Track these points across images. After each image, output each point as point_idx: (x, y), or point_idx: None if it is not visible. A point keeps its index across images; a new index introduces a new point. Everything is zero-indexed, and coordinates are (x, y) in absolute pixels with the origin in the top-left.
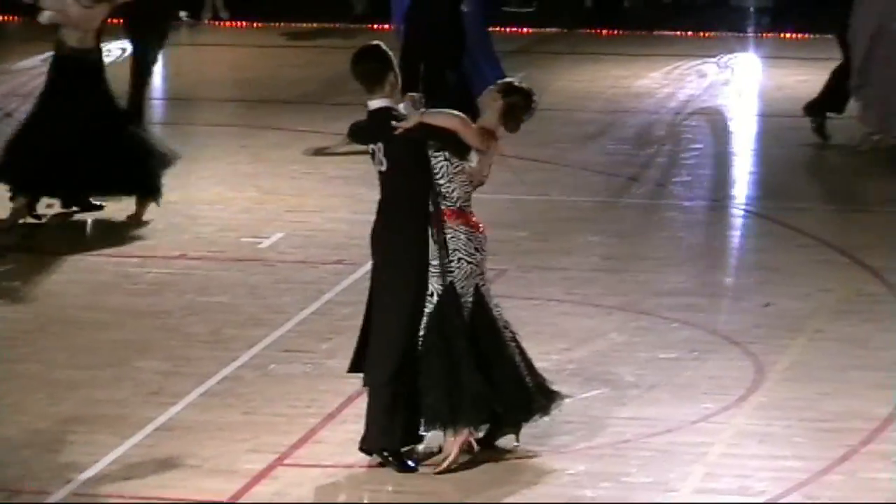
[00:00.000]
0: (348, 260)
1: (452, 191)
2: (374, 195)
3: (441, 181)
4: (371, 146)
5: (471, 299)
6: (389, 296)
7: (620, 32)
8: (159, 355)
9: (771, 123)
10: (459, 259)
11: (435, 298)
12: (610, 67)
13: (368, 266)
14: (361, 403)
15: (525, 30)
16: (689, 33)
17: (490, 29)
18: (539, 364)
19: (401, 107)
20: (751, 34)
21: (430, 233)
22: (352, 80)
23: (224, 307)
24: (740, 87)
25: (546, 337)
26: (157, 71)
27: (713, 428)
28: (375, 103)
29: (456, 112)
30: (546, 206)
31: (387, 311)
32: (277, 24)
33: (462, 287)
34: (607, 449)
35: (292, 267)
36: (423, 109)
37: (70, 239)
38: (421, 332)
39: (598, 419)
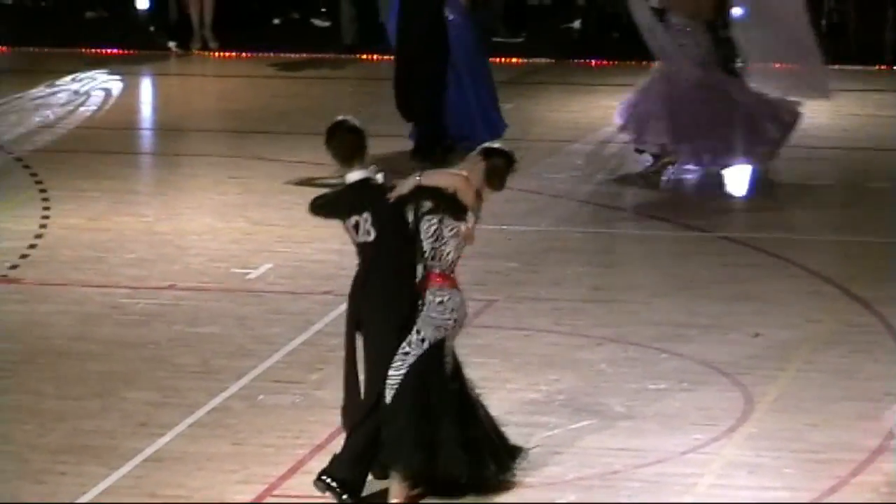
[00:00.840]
0: (337, 290)
1: (447, 253)
2: None
3: (436, 244)
4: (354, 218)
5: (449, 358)
6: (378, 355)
7: (611, 63)
8: (148, 386)
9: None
10: (455, 320)
11: (426, 345)
12: (601, 98)
13: None
14: None
15: (515, 60)
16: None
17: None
18: (528, 395)
19: (378, 176)
20: (739, 64)
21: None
22: (343, 111)
23: (213, 338)
24: None
25: (535, 367)
26: (147, 101)
27: (703, 459)
28: (354, 175)
29: (453, 171)
30: (535, 237)
31: (373, 366)
32: (266, 54)
33: (448, 345)
34: (596, 480)
35: (281, 297)
36: (418, 173)
37: (59, 269)
38: (400, 372)
39: (587, 450)
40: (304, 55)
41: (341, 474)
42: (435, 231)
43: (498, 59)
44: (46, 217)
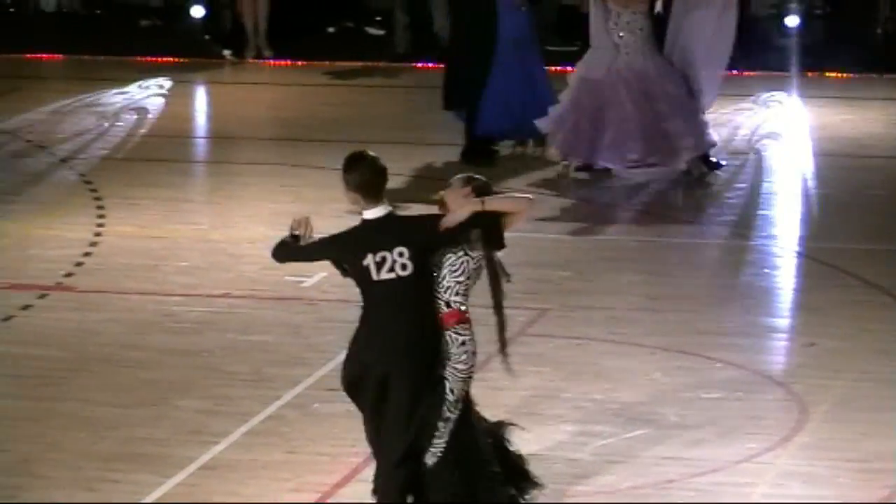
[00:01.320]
0: None
1: (467, 289)
2: None
3: (461, 278)
4: (381, 254)
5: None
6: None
7: None
8: (200, 395)
9: (813, 163)
10: (474, 364)
11: (460, 405)
12: None
13: None
14: None
15: (569, 68)
16: (732, 72)
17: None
18: (582, 404)
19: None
20: (794, 73)
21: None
22: (395, 119)
23: (266, 346)
24: (783, 127)
25: (589, 377)
26: (200, 109)
27: (757, 468)
28: (379, 211)
29: (518, 195)
30: (589, 246)
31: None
32: (320, 62)
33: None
34: (650, 489)
35: (335, 306)
36: (474, 198)
37: (112, 277)
38: (443, 440)
39: (641, 459)
40: (358, 63)
41: None
42: (462, 265)
43: (552, 68)
44: (100, 225)
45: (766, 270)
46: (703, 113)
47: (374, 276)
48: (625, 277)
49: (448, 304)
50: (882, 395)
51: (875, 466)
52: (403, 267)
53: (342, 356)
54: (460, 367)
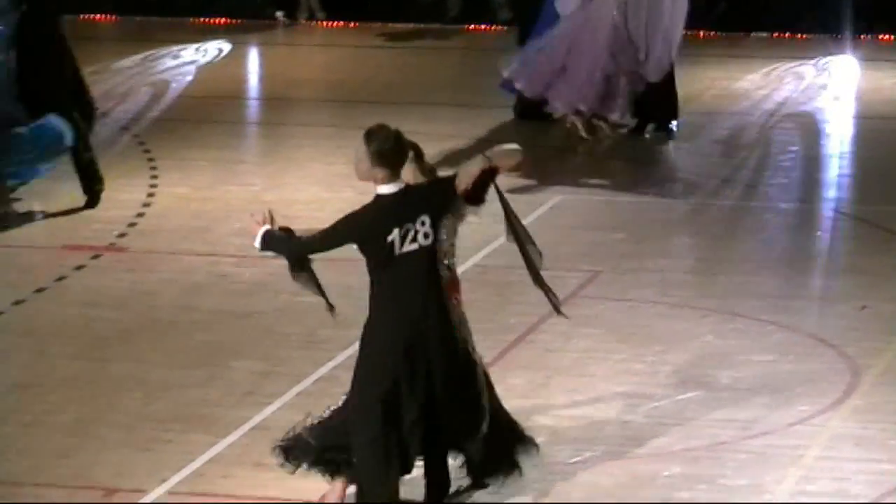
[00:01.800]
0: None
1: (455, 253)
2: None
3: (454, 240)
4: (406, 226)
5: None
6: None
7: (717, 34)
8: (254, 356)
9: (866, 125)
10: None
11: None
12: (706, 69)
13: (466, 266)
14: None
15: None
16: (787, 34)
17: None
18: (634, 366)
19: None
20: (847, 36)
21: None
22: (447, 82)
23: (319, 307)
24: (837, 90)
25: (641, 339)
26: (254, 71)
27: (809, 431)
28: (397, 185)
29: (508, 146)
30: (641, 208)
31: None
32: (373, 24)
33: None
34: (703, 451)
35: None
36: (482, 155)
37: (166, 239)
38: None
39: (693, 421)
40: (410, 26)
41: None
42: (455, 227)
43: None
44: (154, 186)
45: (818, 233)
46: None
47: (398, 250)
48: (677, 240)
49: (449, 268)
50: None
51: None
52: (426, 236)
53: None
54: (469, 327)
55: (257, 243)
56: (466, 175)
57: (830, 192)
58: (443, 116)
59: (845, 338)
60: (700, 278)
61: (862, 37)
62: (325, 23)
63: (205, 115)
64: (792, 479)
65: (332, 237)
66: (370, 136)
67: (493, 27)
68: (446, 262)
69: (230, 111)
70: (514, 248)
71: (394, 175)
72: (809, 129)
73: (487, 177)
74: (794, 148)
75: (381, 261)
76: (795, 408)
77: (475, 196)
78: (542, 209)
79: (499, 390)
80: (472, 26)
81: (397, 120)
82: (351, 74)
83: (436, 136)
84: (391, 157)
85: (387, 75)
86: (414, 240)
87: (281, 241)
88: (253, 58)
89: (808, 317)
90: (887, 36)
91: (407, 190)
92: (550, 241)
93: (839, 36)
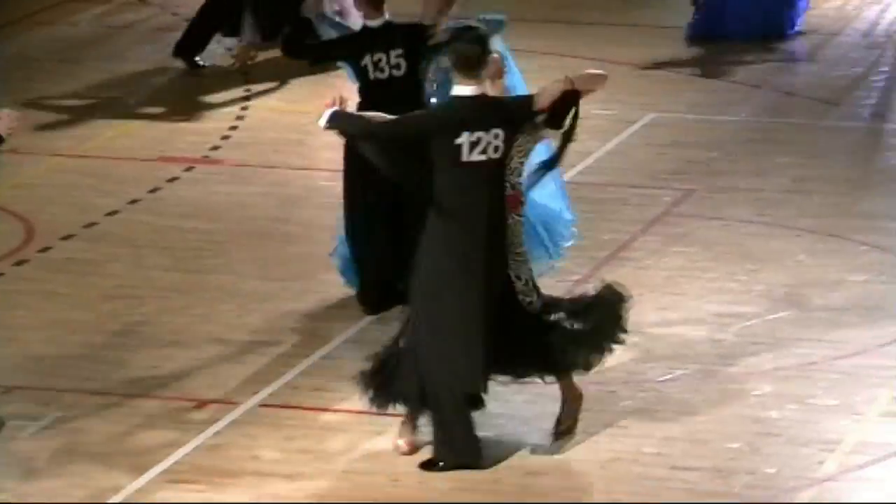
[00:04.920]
0: None
1: (522, 172)
2: None
3: (524, 159)
4: (478, 134)
5: None
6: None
7: None
8: None
9: None
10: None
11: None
12: None
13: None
14: None
15: None
16: None
17: None
18: (727, 285)
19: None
20: None
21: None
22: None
23: None
24: None
25: (734, 257)
26: None
27: None
28: (471, 89)
29: (593, 70)
30: (738, 127)
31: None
32: None
33: None
34: (793, 371)
35: None
36: (566, 76)
37: (260, 151)
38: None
39: (784, 341)
40: None
41: None
42: (527, 147)
43: None
44: (247, 99)
45: None
46: None
47: (464, 157)
48: (771, 159)
49: (513, 187)
50: None
51: None
52: (496, 149)
53: None
54: (520, 250)
55: (323, 121)
56: (547, 95)
57: None
58: (538, 33)
59: None
60: (794, 197)
61: None
62: None
63: None
64: (882, 400)
65: (401, 125)
66: (459, 30)
67: None
68: (513, 179)
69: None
70: (609, 165)
71: (467, 77)
72: None
73: (570, 99)
74: (885, 69)
75: (445, 163)
76: (888, 328)
77: (555, 118)
78: (635, 126)
79: None
80: None
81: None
82: None
83: (533, 53)
84: (459, 59)
85: None
86: (484, 151)
87: (349, 117)
88: None
89: None
90: None
91: (484, 99)
92: (643, 160)
93: None
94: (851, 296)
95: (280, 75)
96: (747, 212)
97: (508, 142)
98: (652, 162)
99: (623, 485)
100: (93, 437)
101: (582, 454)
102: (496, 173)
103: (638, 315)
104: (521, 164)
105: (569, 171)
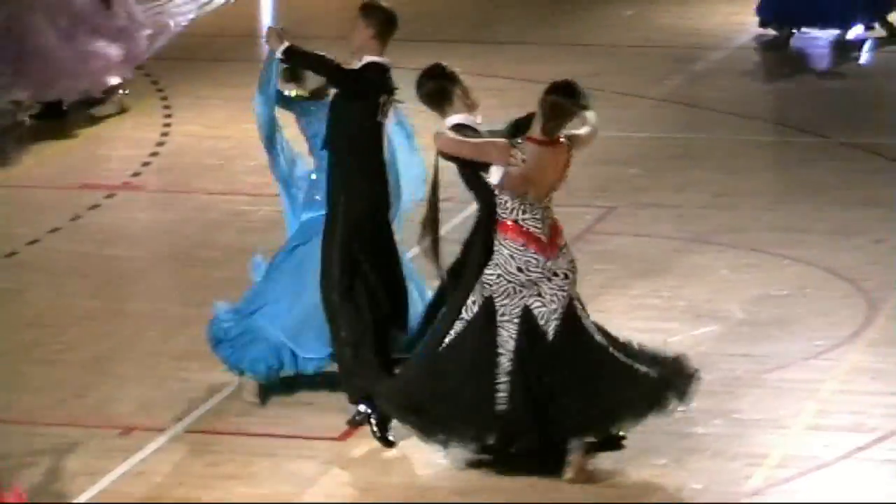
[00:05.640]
0: (457, 198)
1: (505, 201)
2: None
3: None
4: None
5: (517, 321)
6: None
7: None
8: None
9: (880, 58)
10: (499, 276)
11: (475, 308)
12: (720, 4)
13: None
14: None
15: None
16: None
17: None
18: (649, 301)
19: (478, 119)
20: None
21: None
22: (459, 18)
23: None
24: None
25: (656, 274)
26: (266, 8)
27: (825, 365)
28: (451, 120)
29: (464, 139)
30: (658, 143)
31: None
32: None
33: (502, 305)
34: (718, 385)
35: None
36: (440, 130)
37: (181, 177)
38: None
39: (709, 356)
40: None
41: None
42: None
43: None
44: (168, 125)
45: (835, 166)
46: None
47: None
48: (692, 174)
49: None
50: None
51: None
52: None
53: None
54: (488, 272)
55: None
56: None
57: (848, 125)
58: (455, 52)
59: (861, 272)
60: (716, 213)
61: None
62: None
63: (218, 52)
64: (808, 413)
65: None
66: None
67: None
68: (501, 206)
69: (244, 49)
70: None
71: (442, 113)
72: (823, 63)
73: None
74: (810, 81)
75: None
76: (811, 342)
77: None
78: None
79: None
80: None
81: (412, 56)
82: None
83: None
84: (426, 101)
85: (399, 11)
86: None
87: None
88: None
89: (823, 251)
90: None
91: (459, 129)
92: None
93: None
94: (774, 310)
95: (200, 100)
96: (669, 228)
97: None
98: (573, 179)
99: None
100: (15, 465)
101: (510, 472)
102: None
103: None
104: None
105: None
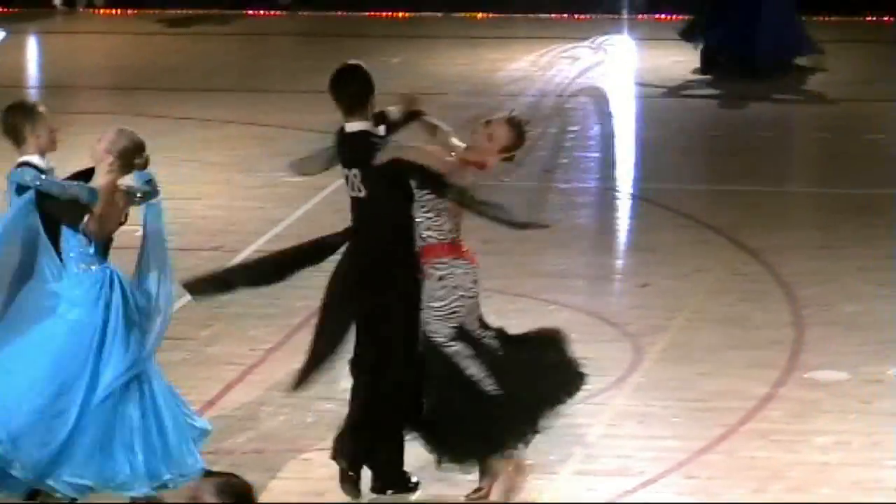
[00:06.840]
0: (226, 247)
1: (443, 224)
2: (251, 181)
3: (429, 214)
4: (346, 171)
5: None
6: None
7: (496, 15)
8: None
9: (647, 105)
10: (462, 296)
11: (453, 344)
12: (486, 51)
13: (246, 252)
14: (240, 391)
15: (401, 14)
16: (564, 15)
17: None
18: None
19: (380, 129)
20: (626, 16)
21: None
22: (228, 67)
23: None
24: (615, 70)
25: None
26: (32, 59)
27: (593, 409)
28: (353, 126)
29: (431, 148)
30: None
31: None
32: (152, 10)
33: (470, 324)
34: None
35: (170, 254)
36: (393, 142)
37: None
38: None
39: None
40: (190, 11)
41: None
42: (429, 202)
43: (381, 14)
44: None
45: (601, 212)
46: None
47: (350, 192)
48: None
49: (422, 240)
50: (716, 335)
51: (710, 405)
52: (358, 189)
53: (179, 303)
54: (438, 304)
55: None
56: (381, 155)
57: (613, 172)
58: (223, 102)
59: (627, 316)
60: (483, 259)
61: (640, 16)
62: (103, 10)
63: None
64: (576, 457)
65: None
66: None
67: (272, 12)
68: (436, 229)
69: (9, 100)
70: (298, 232)
71: (349, 115)
72: (591, 110)
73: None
74: (576, 128)
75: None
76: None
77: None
78: (324, 192)
79: (282, 375)
80: (251, 11)
81: (180, 106)
82: (131, 61)
83: (217, 122)
84: (342, 99)
85: (167, 61)
86: (358, 189)
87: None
88: (32, 46)
89: (589, 296)
90: (665, 16)
91: (357, 136)
92: (332, 225)
93: (617, 16)
94: None
95: None
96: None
97: (368, 184)
98: (340, 227)
99: None
100: None
101: None
102: (367, 213)
103: (330, 381)
104: (429, 218)
105: (258, 239)
